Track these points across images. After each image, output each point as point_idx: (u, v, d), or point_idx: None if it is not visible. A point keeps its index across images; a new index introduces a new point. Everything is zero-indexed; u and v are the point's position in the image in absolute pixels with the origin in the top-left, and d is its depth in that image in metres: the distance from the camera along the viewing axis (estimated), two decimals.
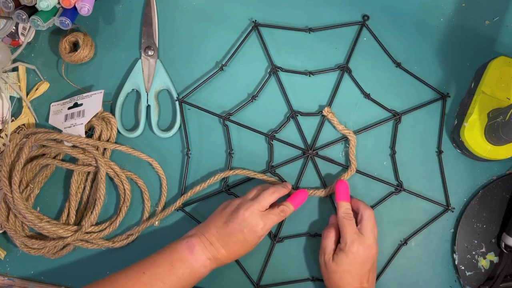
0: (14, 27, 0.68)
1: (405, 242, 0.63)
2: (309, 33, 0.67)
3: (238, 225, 0.56)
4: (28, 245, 0.64)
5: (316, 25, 0.67)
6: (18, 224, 0.66)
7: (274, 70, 0.66)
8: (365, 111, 0.65)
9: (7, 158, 0.64)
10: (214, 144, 0.66)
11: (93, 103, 0.67)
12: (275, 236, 0.64)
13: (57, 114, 0.68)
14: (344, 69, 0.65)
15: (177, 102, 0.67)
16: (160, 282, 0.55)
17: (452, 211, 0.63)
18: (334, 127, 0.65)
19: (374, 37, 0.66)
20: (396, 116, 0.65)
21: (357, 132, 0.64)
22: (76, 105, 0.68)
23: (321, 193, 0.63)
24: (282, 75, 0.66)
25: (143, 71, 0.68)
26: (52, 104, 0.69)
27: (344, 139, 0.65)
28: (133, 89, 0.69)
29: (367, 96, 0.65)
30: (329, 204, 0.65)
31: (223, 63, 0.67)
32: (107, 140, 0.66)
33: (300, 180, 0.65)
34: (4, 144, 0.68)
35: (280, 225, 0.64)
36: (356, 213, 0.60)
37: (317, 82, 0.66)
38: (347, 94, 0.66)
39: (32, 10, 0.62)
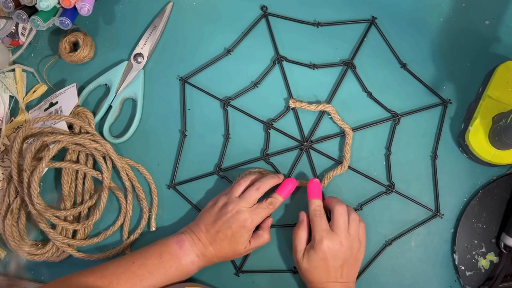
0: (14, 27, 0.68)
1: (390, 242, 0.63)
2: (318, 27, 0.67)
3: (227, 221, 0.57)
4: (31, 252, 0.65)
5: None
6: (16, 233, 0.65)
7: (279, 59, 0.66)
8: (365, 109, 0.65)
9: (14, 157, 0.63)
10: (211, 128, 0.67)
11: (68, 98, 0.67)
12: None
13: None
14: (348, 65, 0.65)
15: (180, 81, 0.67)
16: (148, 273, 0.56)
17: (441, 217, 0.63)
18: (332, 120, 0.65)
19: (382, 36, 0.66)
20: (395, 117, 0.65)
21: (355, 129, 0.64)
22: (51, 104, 0.68)
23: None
24: (286, 68, 0.66)
25: (123, 72, 0.68)
26: (30, 111, 0.69)
27: (341, 134, 0.65)
28: (105, 84, 0.69)
29: (369, 94, 0.65)
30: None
31: (230, 48, 0.67)
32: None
33: (292, 171, 0.65)
34: (3, 144, 0.68)
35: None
36: (329, 211, 0.60)
37: (320, 76, 0.66)
38: (349, 90, 0.66)
39: (32, 10, 0.62)
